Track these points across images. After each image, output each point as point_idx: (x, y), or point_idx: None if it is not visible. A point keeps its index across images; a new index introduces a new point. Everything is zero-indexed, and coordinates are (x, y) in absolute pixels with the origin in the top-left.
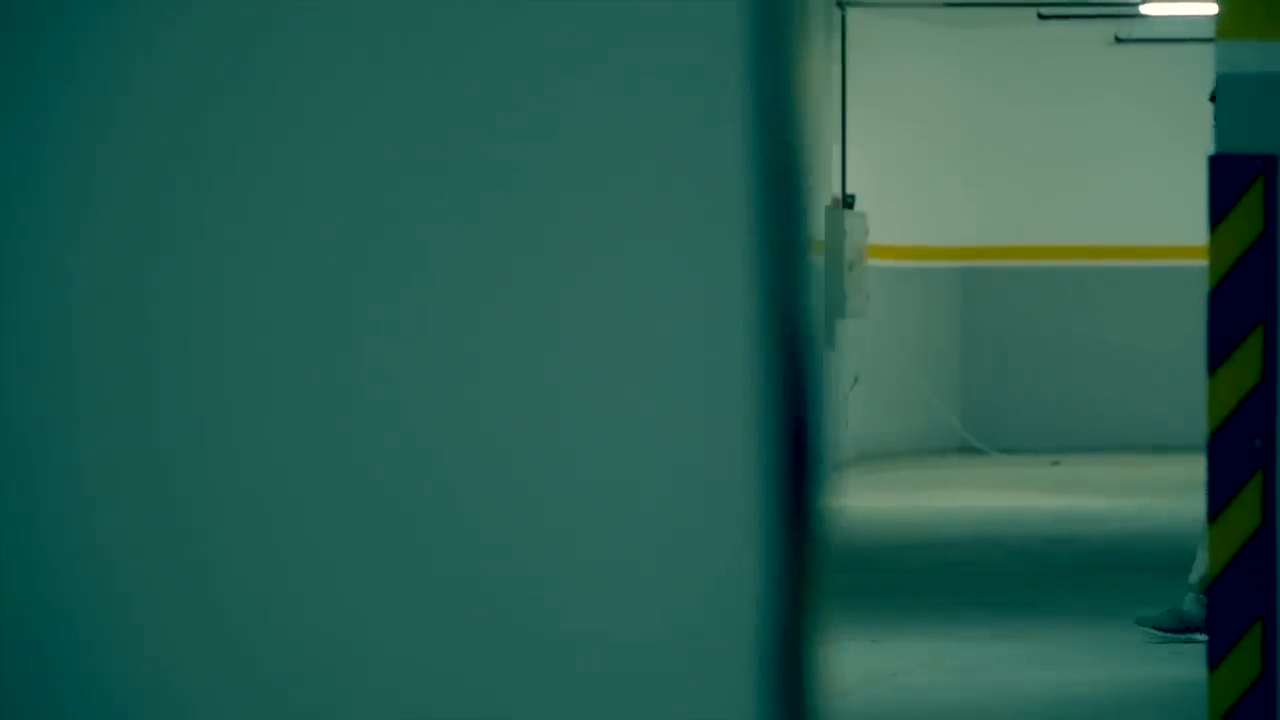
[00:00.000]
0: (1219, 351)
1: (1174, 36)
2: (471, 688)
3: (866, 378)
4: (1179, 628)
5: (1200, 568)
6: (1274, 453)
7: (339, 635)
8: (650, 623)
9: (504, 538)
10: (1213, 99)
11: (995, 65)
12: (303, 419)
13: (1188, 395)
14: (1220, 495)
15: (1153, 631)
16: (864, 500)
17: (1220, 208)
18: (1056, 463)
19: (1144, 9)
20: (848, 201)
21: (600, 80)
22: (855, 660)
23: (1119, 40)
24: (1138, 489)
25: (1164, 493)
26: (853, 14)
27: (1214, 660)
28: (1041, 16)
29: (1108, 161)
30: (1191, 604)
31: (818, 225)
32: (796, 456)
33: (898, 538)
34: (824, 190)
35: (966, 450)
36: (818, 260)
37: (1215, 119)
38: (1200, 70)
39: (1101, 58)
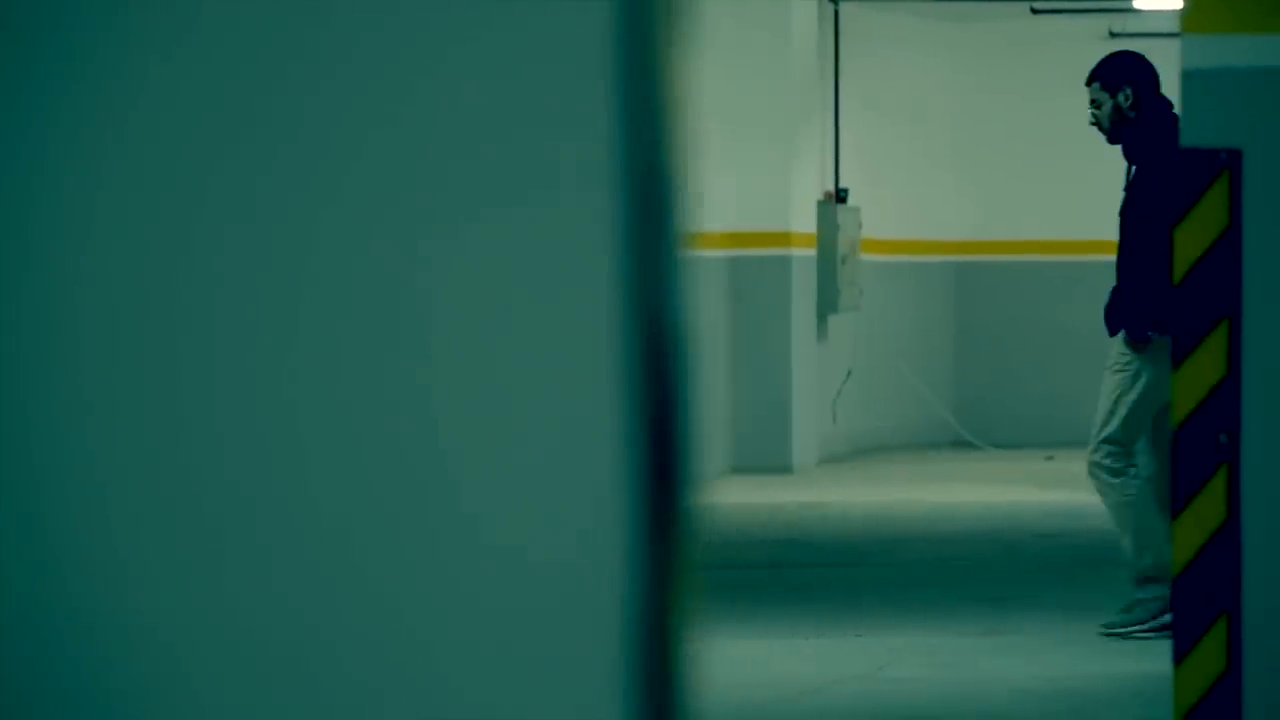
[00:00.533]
0: (1184, 346)
1: (1168, 31)
2: (343, 682)
3: (860, 372)
4: (1151, 616)
5: (1139, 558)
6: (1239, 448)
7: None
8: (515, 619)
9: (363, 535)
10: (1088, 82)
11: (988, 60)
12: (205, 414)
13: None
14: (1186, 490)
15: (1129, 633)
16: (857, 494)
17: (1185, 202)
18: (1050, 457)
19: (1137, 3)
20: (841, 196)
21: (466, 78)
22: (840, 654)
23: (1113, 35)
24: None
25: None
26: (845, 8)
27: (1179, 655)
28: (1035, 11)
29: (1102, 156)
30: (1149, 590)
31: (688, 223)
32: (661, 453)
33: (890, 532)
34: (818, 184)
35: (960, 445)
36: (689, 255)
37: (1182, 112)
38: None
39: (1095, 52)
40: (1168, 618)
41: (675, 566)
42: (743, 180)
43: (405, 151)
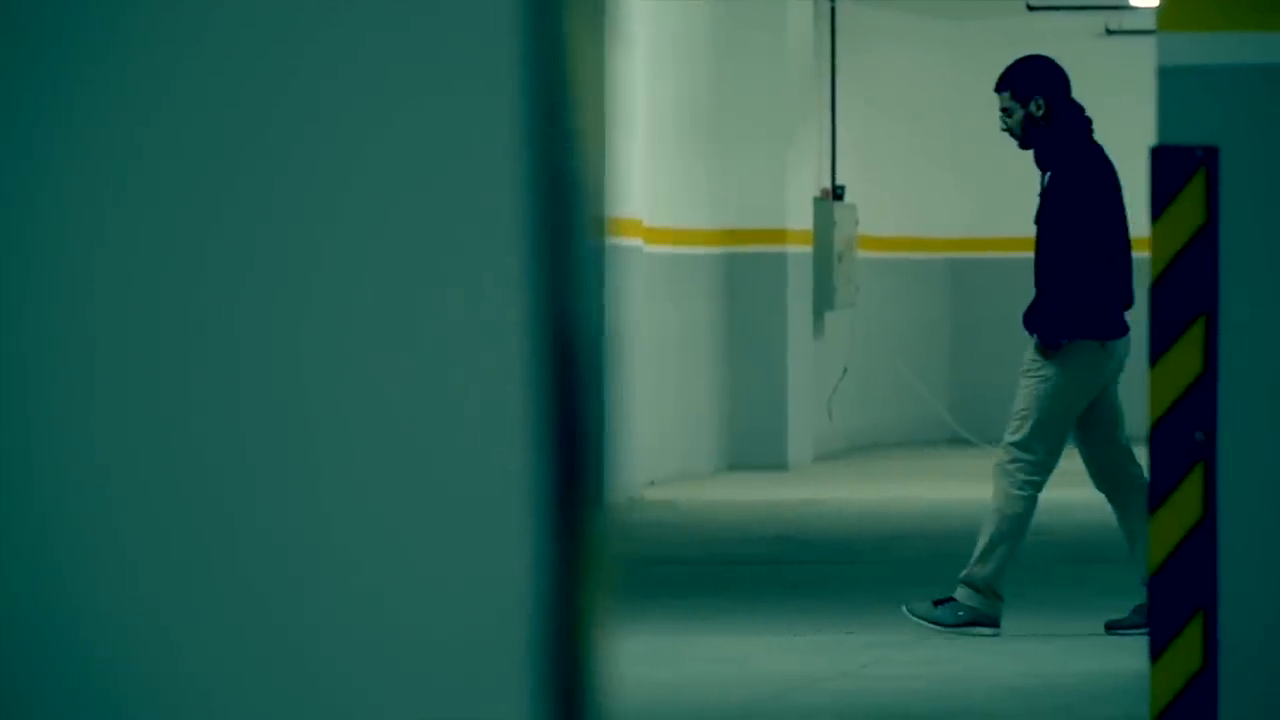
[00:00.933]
0: (1160, 343)
1: None
2: (246, 684)
3: (856, 369)
4: (955, 623)
5: (978, 564)
6: (1215, 445)
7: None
8: (422, 618)
9: (270, 537)
10: (998, 89)
11: (985, 57)
12: (99, 412)
13: None
14: (1161, 488)
15: (926, 625)
16: (852, 492)
17: (1162, 199)
18: None
19: (1133, 0)
20: (837, 193)
21: (372, 70)
22: (826, 651)
23: (1109, 32)
24: None
25: None
26: (842, 6)
27: (1155, 653)
28: (1031, 8)
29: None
30: (965, 597)
31: (600, 219)
32: (569, 452)
33: (885, 529)
34: (815, 181)
35: (956, 442)
36: (605, 249)
37: (1159, 110)
38: None
39: (1092, 49)
40: (973, 629)
41: (584, 565)
42: (739, 178)
43: (311, 145)
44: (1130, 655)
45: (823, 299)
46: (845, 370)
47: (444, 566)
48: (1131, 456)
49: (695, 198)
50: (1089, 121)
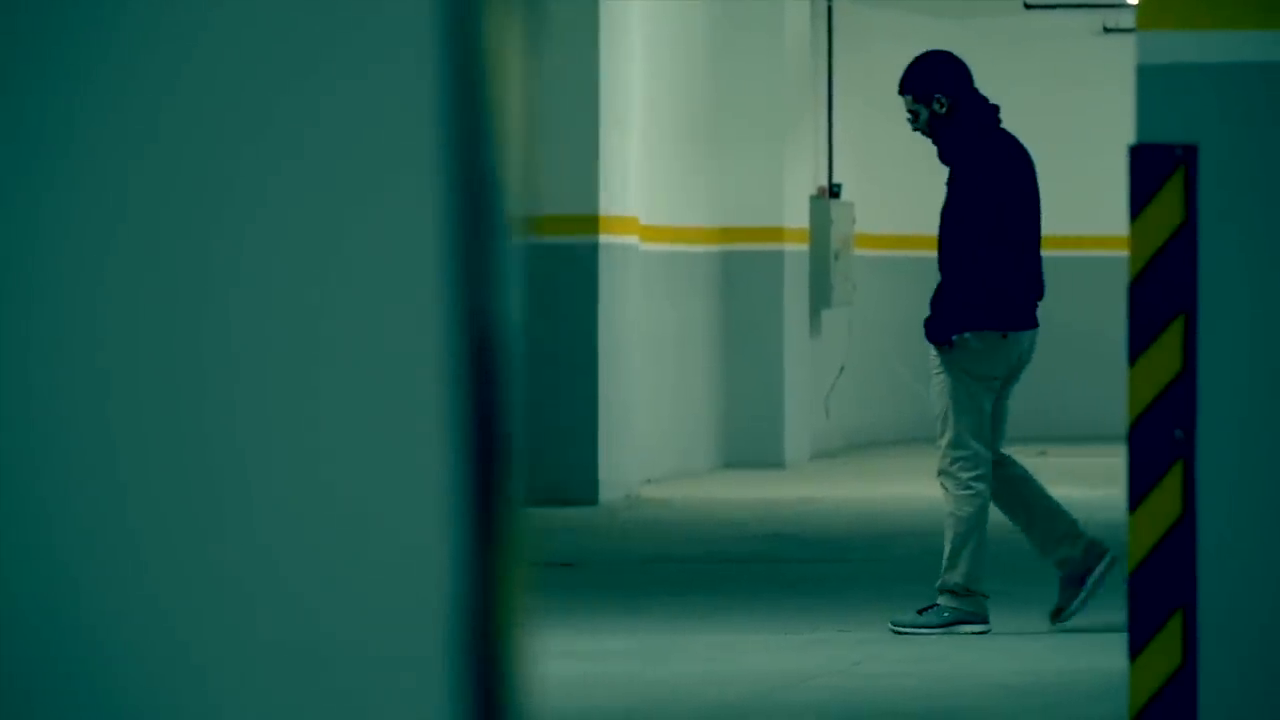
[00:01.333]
0: (1139, 342)
1: None
2: (165, 680)
3: (853, 367)
4: (942, 623)
5: (950, 571)
6: (1194, 443)
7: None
8: (336, 622)
9: (186, 536)
10: (901, 92)
11: (982, 55)
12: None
13: None
14: (1140, 486)
15: (916, 632)
16: (848, 490)
17: (1141, 198)
18: (1043, 453)
19: None
20: (834, 191)
21: (289, 73)
22: (820, 649)
23: (1107, 30)
24: (1119, 478)
25: None
26: (839, 5)
27: (1134, 651)
28: (1028, 6)
29: (1096, 151)
30: (947, 600)
31: (522, 219)
32: (486, 451)
33: (880, 527)
34: (812, 179)
35: None
36: (521, 248)
37: (1137, 108)
38: None
39: (1089, 47)
40: (961, 627)
41: (502, 566)
42: (735, 176)
43: (222, 144)
44: (1120, 653)
45: (820, 297)
46: (842, 368)
47: (358, 569)
48: (1003, 458)
49: (692, 196)
50: (995, 110)
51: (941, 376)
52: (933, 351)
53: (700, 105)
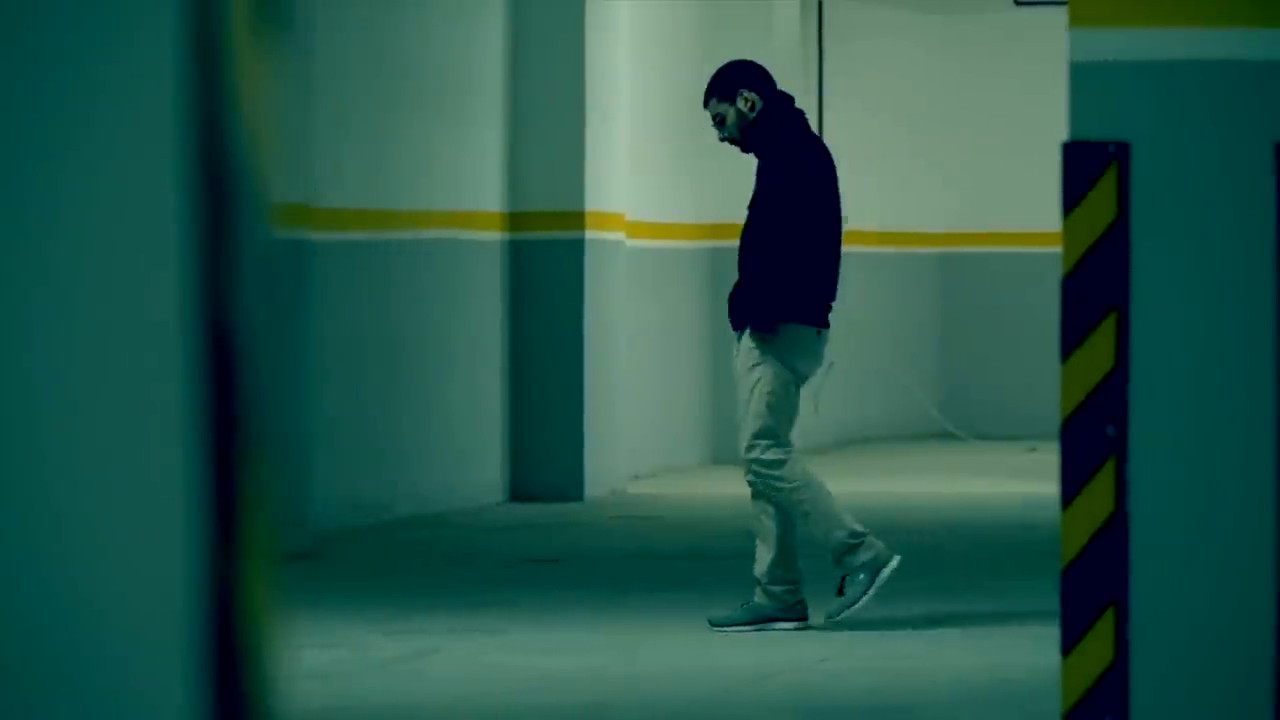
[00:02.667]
0: (1072, 339)
1: None
2: None
3: (843, 364)
4: (753, 620)
5: (761, 562)
6: (1127, 440)
7: None
8: (77, 620)
9: None
10: (705, 102)
11: (972, 52)
12: None
13: None
14: (1073, 482)
15: (730, 630)
16: (834, 486)
17: (1074, 194)
18: (1034, 449)
19: None
20: None
21: (27, 73)
22: (786, 645)
23: None
24: None
25: None
26: (828, 1)
27: (1066, 647)
28: (1018, 2)
29: None
30: (760, 596)
31: (275, 213)
32: (225, 450)
33: (864, 523)
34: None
35: (944, 436)
36: (279, 242)
37: (1070, 106)
38: None
39: None
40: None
41: (246, 563)
42: (722, 173)
43: None
44: None
45: None
46: (832, 364)
47: (100, 566)
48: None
49: (679, 192)
50: (802, 113)
51: (757, 368)
52: (747, 344)
53: (687, 101)
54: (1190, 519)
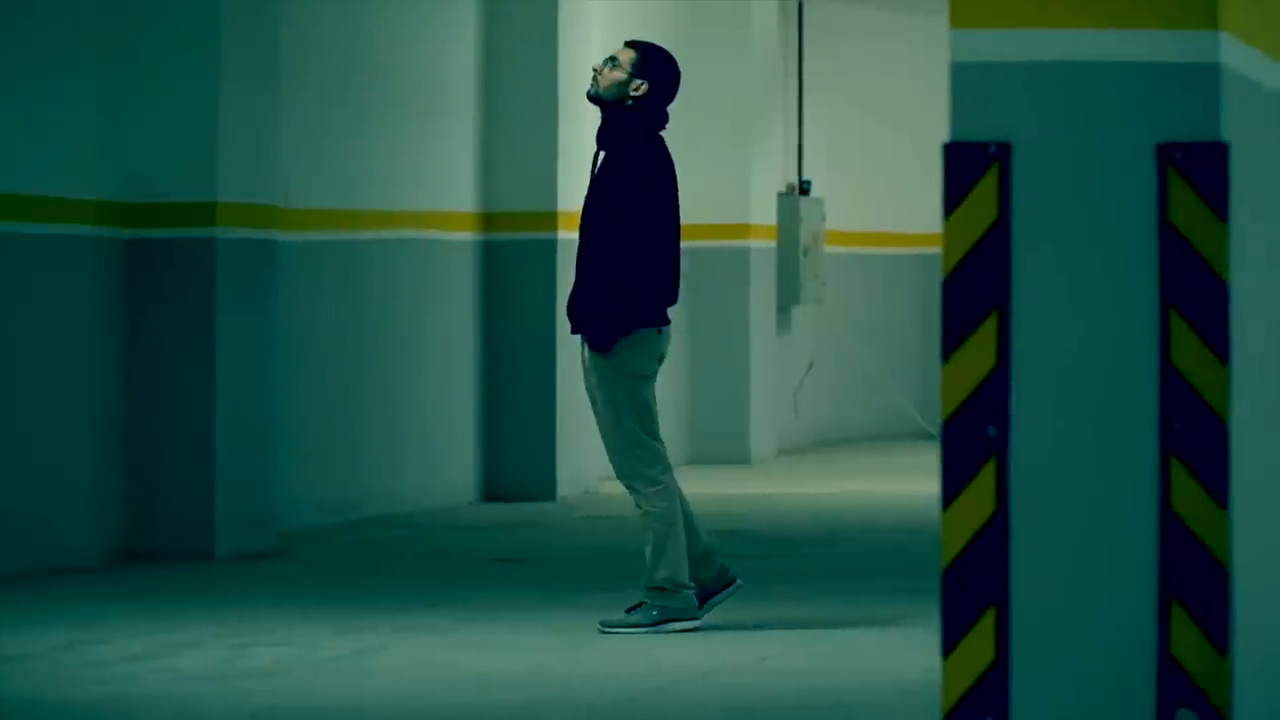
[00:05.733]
0: (953, 338)
1: None
2: None
3: (823, 364)
4: (651, 622)
5: (655, 569)
6: (1008, 441)
7: None
8: None
9: None
10: (626, 45)
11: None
12: None
13: None
14: (954, 483)
15: (624, 631)
16: (810, 486)
17: (955, 195)
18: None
19: None
20: (804, 187)
21: None
22: (727, 645)
23: None
24: None
25: None
26: (808, 1)
27: (947, 647)
28: None
29: None
30: (654, 599)
31: None
32: None
33: (833, 524)
34: (781, 176)
35: (923, 437)
36: None
37: (951, 106)
38: None
39: None
40: (672, 625)
41: None
42: (701, 173)
43: None
44: None
45: (788, 294)
46: (811, 365)
47: None
48: None
49: None
50: (664, 124)
51: (604, 387)
52: (590, 359)
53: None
54: (1071, 519)
